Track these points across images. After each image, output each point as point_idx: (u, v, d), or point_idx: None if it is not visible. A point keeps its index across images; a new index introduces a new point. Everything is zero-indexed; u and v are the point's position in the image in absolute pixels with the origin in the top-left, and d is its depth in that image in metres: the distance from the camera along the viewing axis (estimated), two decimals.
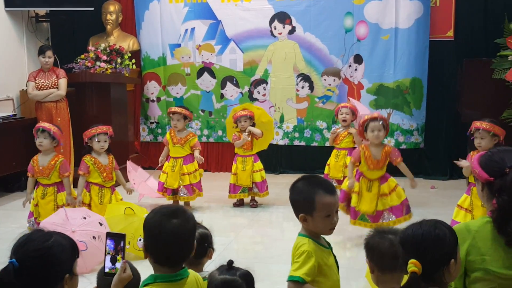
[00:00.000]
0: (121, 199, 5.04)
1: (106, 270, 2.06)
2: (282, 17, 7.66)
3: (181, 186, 5.78)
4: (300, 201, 2.27)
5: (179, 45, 8.06)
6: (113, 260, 2.06)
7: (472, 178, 4.32)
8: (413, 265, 1.83)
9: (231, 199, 6.11)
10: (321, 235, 2.34)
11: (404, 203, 4.61)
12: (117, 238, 2.08)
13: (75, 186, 5.01)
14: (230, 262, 2.29)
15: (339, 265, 2.40)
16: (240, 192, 6.01)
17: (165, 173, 5.84)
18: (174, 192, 5.83)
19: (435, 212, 5.52)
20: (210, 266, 2.58)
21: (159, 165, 5.90)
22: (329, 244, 2.37)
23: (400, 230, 2.03)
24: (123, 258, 2.05)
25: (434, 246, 1.87)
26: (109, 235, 2.10)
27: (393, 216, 4.57)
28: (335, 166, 6.02)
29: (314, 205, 2.22)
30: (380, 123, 4.57)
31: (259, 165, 6.02)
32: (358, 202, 4.63)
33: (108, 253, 2.06)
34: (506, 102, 6.52)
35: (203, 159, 5.91)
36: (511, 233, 2.06)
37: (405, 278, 1.87)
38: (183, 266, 1.97)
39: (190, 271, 2.03)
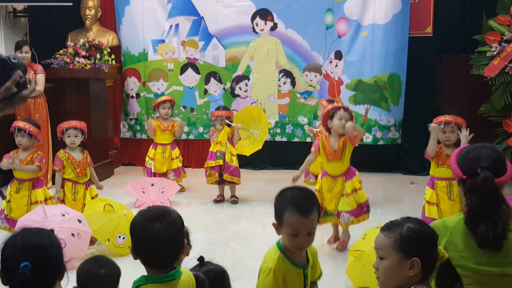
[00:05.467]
0: (96, 195, 4.99)
1: None
2: (263, 13, 7.66)
3: (169, 170, 6.28)
4: (275, 209, 2.20)
5: (162, 41, 8.01)
6: None
7: (433, 171, 4.39)
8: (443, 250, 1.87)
9: (210, 184, 6.06)
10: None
11: (365, 204, 4.44)
12: None
13: (54, 183, 4.93)
14: (201, 258, 2.28)
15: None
16: (216, 159, 5.95)
17: (152, 159, 6.27)
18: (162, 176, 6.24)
19: (413, 207, 5.55)
20: (190, 263, 2.58)
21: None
22: (308, 260, 2.27)
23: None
24: None
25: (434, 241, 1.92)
26: None
27: (352, 217, 4.37)
28: (314, 162, 6.04)
29: (282, 219, 2.14)
30: (348, 115, 4.40)
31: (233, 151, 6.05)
32: (322, 200, 4.45)
33: None
34: (484, 97, 6.60)
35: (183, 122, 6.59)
36: (481, 235, 2.06)
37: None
38: (174, 266, 1.95)
39: (184, 270, 2.02)
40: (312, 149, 4.62)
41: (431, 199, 4.35)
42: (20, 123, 4.73)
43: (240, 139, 6.03)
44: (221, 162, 5.96)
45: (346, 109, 4.44)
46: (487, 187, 2.08)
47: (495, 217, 2.06)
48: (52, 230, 3.85)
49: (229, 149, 5.97)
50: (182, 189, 6.45)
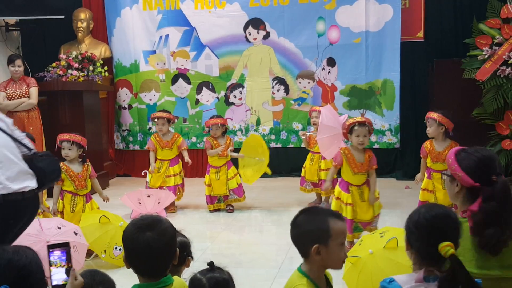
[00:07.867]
0: (97, 208, 4.94)
1: (60, 282, 1.93)
2: (256, 23, 7.70)
3: (165, 187, 6.00)
4: (312, 231, 2.02)
5: (154, 52, 8.03)
6: (68, 272, 1.94)
7: (430, 165, 4.84)
8: (450, 247, 1.81)
9: (208, 205, 6.09)
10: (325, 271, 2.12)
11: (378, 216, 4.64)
12: (67, 248, 1.96)
13: (51, 195, 4.91)
14: (210, 263, 2.29)
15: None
16: (216, 202, 6.00)
17: (150, 173, 6.12)
18: None
19: (409, 212, 5.55)
20: (187, 272, 2.57)
21: (152, 171, 6.08)
22: (330, 285, 2.16)
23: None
24: (71, 266, 1.95)
25: (455, 227, 1.94)
26: (54, 246, 1.95)
27: (376, 223, 4.57)
28: (310, 170, 6.05)
29: (329, 232, 1.99)
30: (367, 128, 4.47)
31: (233, 170, 6.02)
32: (355, 213, 4.46)
33: (60, 265, 1.94)
34: (476, 100, 6.62)
35: (191, 162, 6.14)
36: (487, 236, 2.06)
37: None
38: (166, 274, 1.97)
39: (176, 278, 2.04)
40: (334, 163, 4.63)
41: (427, 187, 4.86)
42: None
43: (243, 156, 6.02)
44: (222, 206, 6.00)
45: (363, 123, 4.49)
46: (505, 193, 2.10)
47: (508, 221, 2.08)
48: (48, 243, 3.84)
49: (232, 173, 5.96)
50: (173, 210, 6.10)
